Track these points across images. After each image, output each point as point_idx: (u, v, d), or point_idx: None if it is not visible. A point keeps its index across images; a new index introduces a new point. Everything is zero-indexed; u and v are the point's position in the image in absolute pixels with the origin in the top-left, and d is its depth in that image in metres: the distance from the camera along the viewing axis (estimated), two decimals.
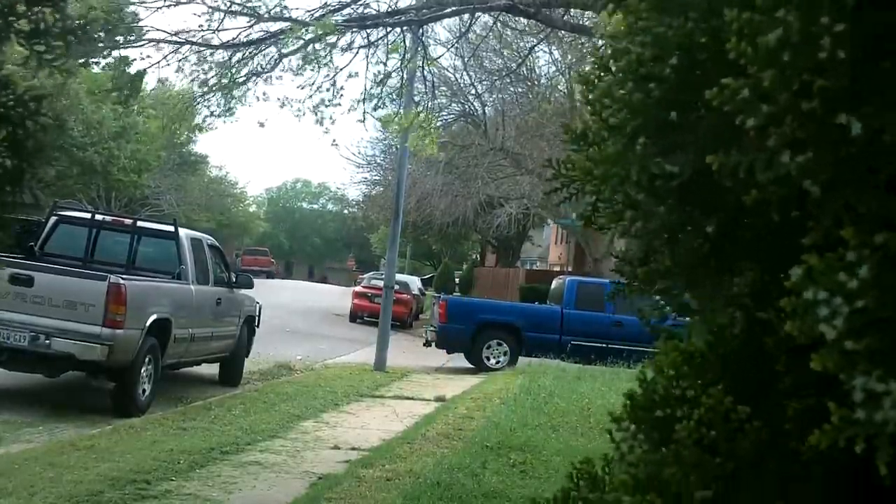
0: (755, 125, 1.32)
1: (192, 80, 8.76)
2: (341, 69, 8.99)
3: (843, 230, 1.25)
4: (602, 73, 1.76)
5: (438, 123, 11.41)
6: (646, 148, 1.59)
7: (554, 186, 1.92)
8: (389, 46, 9.23)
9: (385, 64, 9.53)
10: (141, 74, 7.90)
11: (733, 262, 1.61)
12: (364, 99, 9.75)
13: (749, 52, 1.30)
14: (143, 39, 7.85)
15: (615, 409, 1.65)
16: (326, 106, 9.00)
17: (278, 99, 9.37)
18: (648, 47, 1.51)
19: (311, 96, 8.94)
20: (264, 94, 9.25)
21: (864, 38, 1.25)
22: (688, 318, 1.89)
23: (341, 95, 9.18)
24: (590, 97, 1.78)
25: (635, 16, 1.56)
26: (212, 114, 9.00)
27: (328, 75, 8.78)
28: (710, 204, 1.58)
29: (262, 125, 10.43)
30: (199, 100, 8.93)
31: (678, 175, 1.54)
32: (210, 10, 8.04)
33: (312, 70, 8.51)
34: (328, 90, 8.90)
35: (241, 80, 8.68)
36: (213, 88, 8.67)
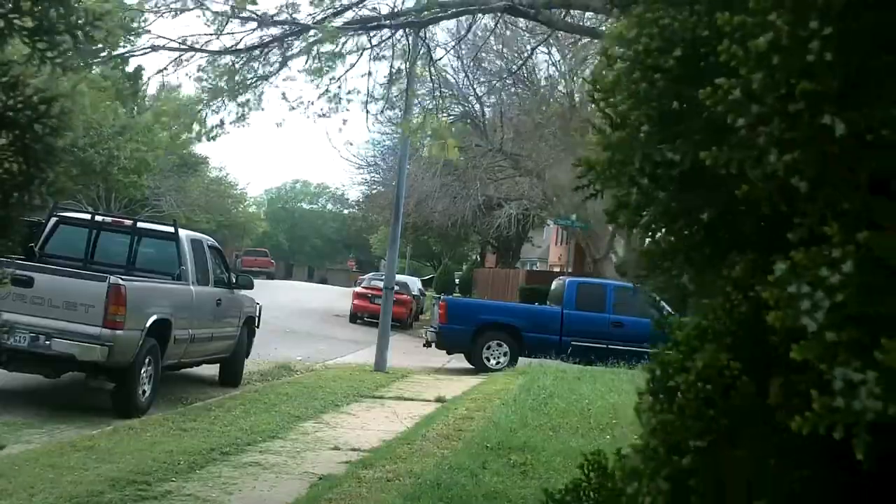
0: (744, 124, 1.37)
1: (200, 86, 8.75)
2: (347, 71, 8.99)
3: (827, 227, 1.29)
4: (611, 66, 1.80)
5: (452, 140, 11.44)
6: (649, 136, 1.62)
7: (581, 183, 1.95)
8: (395, 50, 9.24)
9: (391, 67, 9.54)
10: (139, 71, 7.91)
11: (728, 249, 1.65)
12: (368, 102, 9.76)
13: (740, 55, 1.35)
14: (148, 46, 7.85)
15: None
16: (337, 104, 8.98)
17: (290, 102, 9.36)
18: (656, 38, 1.55)
19: (319, 97, 8.93)
20: (283, 94, 9.23)
21: (853, 40, 1.29)
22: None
23: (356, 94, 9.19)
24: (597, 87, 1.81)
25: (645, 6, 1.60)
26: (222, 122, 8.98)
27: (333, 78, 8.77)
28: (708, 192, 1.62)
29: (279, 125, 10.47)
30: (206, 105, 8.91)
31: (679, 163, 1.58)
32: (215, 14, 8.03)
33: (317, 77, 8.50)
34: (336, 93, 8.89)
35: (248, 83, 8.67)
36: (221, 94, 8.65)
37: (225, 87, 8.41)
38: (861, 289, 1.23)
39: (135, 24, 7.41)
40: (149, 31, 7.82)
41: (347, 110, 9.22)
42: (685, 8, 1.52)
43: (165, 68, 8.22)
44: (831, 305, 1.24)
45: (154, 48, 7.84)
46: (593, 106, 1.89)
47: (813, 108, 1.31)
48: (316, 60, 8.30)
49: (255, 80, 8.61)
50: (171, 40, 8.05)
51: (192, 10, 7.95)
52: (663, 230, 1.78)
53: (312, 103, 8.97)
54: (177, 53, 8.15)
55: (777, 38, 1.30)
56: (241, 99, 8.64)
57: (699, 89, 1.44)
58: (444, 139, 9.33)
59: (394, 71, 9.52)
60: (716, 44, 1.41)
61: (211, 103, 8.59)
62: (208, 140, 9.09)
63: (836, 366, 1.24)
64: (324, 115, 9.09)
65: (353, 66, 8.98)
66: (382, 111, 10.04)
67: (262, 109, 9.06)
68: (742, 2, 1.39)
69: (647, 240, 1.85)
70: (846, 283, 1.24)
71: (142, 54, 7.77)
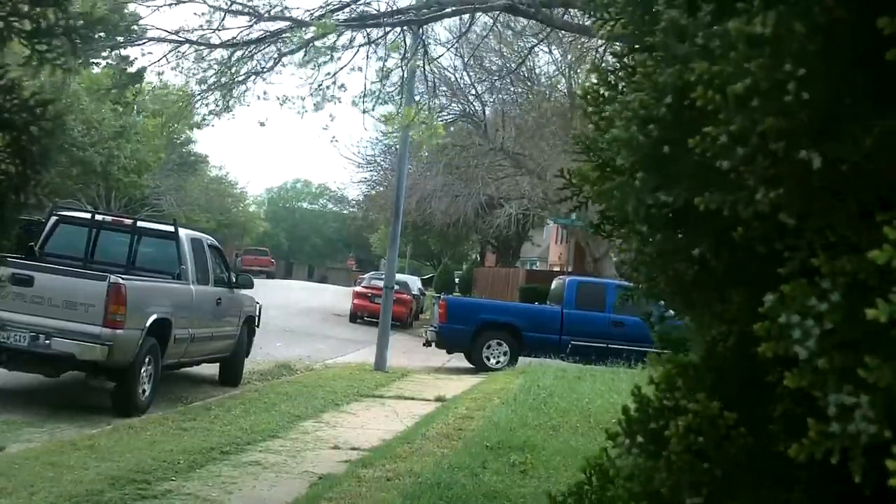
0: (731, 167, 1.41)
1: (192, 79, 8.77)
2: (342, 67, 8.99)
3: (815, 258, 1.33)
4: (607, 93, 1.81)
5: (438, 123, 11.45)
6: (644, 182, 1.65)
7: (565, 195, 1.96)
8: (389, 46, 9.24)
9: (385, 62, 9.53)
10: (141, 74, 7.89)
11: (721, 285, 1.66)
12: (364, 96, 9.76)
13: (717, 100, 1.39)
14: (144, 38, 7.86)
15: (612, 421, 1.68)
16: (328, 101, 8.99)
17: (278, 97, 9.37)
18: (649, 91, 1.58)
19: (311, 94, 8.94)
20: (265, 93, 9.26)
21: (829, 80, 1.33)
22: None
23: (343, 90, 9.18)
24: (590, 110, 1.83)
25: (640, 69, 1.63)
26: (211, 112, 8.98)
27: (329, 73, 8.78)
28: (698, 230, 1.64)
29: (262, 124, 10.42)
30: (197, 98, 8.92)
31: (671, 204, 1.60)
32: (211, 9, 8.05)
33: (313, 69, 8.51)
34: (328, 87, 8.89)
35: (240, 78, 8.68)
36: (213, 87, 8.66)
37: (216, 81, 8.42)
38: (848, 314, 1.25)
39: (133, 25, 7.42)
40: (141, 18, 7.83)
41: (339, 100, 9.23)
42: (675, 65, 1.55)
43: (158, 60, 8.24)
44: (821, 333, 1.26)
45: (151, 39, 7.85)
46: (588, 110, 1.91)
47: (789, 144, 1.34)
48: (313, 57, 8.30)
49: (248, 75, 8.63)
50: (168, 32, 8.07)
51: (188, 1, 7.97)
52: (661, 272, 1.79)
53: (304, 99, 8.98)
54: (172, 45, 8.16)
55: (755, 84, 1.33)
56: (235, 92, 8.66)
57: (688, 131, 1.46)
58: (430, 127, 9.33)
59: (390, 68, 9.53)
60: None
61: (204, 96, 8.60)
62: (199, 129, 9.15)
63: (829, 391, 1.25)
64: (320, 108, 9.11)
65: (349, 62, 8.99)
66: (374, 107, 10.07)
67: (248, 105, 9.10)
68: (720, 52, 1.42)
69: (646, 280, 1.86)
70: (834, 309, 1.26)
71: (137, 45, 7.78)
